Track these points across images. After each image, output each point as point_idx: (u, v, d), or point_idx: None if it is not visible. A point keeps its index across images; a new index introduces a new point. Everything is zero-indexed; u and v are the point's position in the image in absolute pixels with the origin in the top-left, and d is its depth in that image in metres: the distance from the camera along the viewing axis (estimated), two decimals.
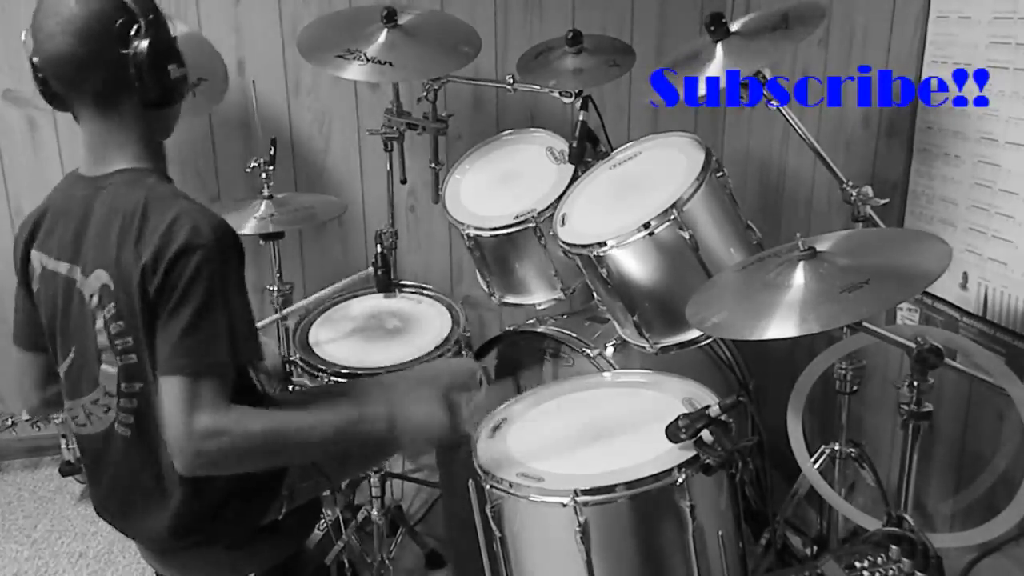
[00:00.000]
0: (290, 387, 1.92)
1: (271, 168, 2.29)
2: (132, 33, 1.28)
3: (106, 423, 1.39)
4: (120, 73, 1.29)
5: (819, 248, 1.42)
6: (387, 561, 2.13)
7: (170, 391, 1.23)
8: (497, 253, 2.09)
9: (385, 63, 2.14)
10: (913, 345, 1.36)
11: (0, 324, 1.51)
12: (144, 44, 1.28)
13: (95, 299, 1.32)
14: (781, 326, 1.31)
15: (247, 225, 2.13)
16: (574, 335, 2.09)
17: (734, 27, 1.80)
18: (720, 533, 1.42)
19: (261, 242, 2.26)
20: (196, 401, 1.22)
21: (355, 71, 2.14)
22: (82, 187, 1.38)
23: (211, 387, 1.23)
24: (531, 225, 1.98)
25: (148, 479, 1.39)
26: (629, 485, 1.37)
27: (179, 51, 1.35)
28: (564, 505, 1.37)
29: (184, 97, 1.39)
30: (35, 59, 1.34)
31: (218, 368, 1.25)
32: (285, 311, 2.24)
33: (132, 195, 1.31)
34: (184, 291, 1.24)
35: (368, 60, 2.14)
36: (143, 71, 1.29)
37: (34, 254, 1.43)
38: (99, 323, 1.33)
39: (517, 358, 2.24)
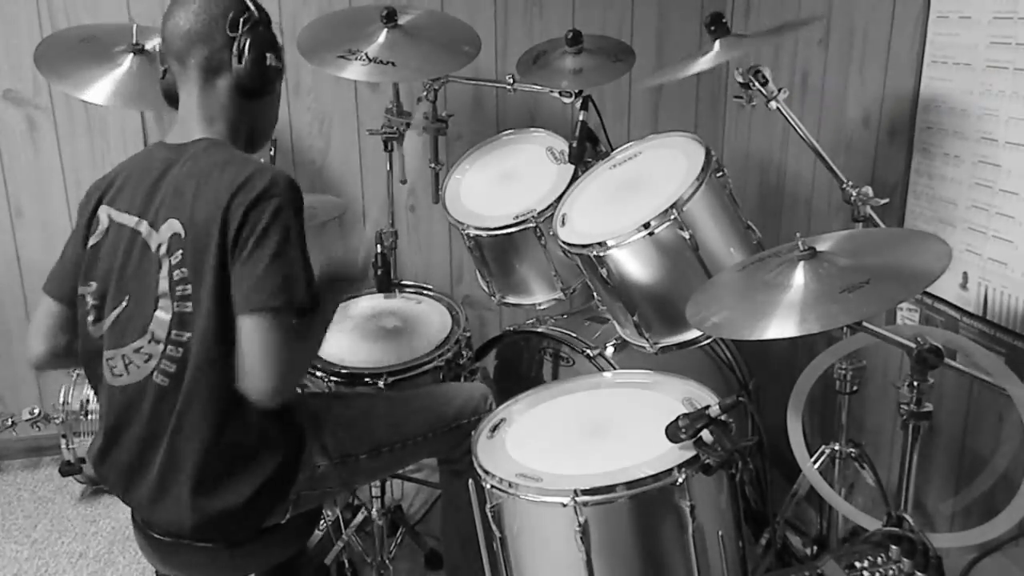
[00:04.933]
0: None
1: None
2: (242, 21, 1.45)
3: (144, 372, 1.43)
4: (223, 53, 1.46)
5: (819, 248, 1.42)
6: (387, 561, 2.13)
7: (251, 328, 1.33)
8: (497, 253, 2.09)
9: (387, 63, 2.14)
10: (913, 345, 1.36)
11: None
12: (250, 33, 1.45)
13: (163, 247, 1.40)
14: (781, 326, 1.31)
15: None
16: (574, 335, 2.09)
17: (734, 31, 1.80)
18: (720, 533, 1.42)
19: None
20: (277, 337, 1.32)
21: (356, 71, 2.14)
22: (164, 152, 1.49)
23: (288, 323, 1.34)
24: (531, 225, 1.98)
25: (172, 431, 1.42)
26: (629, 485, 1.37)
27: (279, 52, 1.51)
28: (564, 505, 1.37)
29: (275, 93, 1.54)
30: (160, 49, 1.52)
31: (296, 305, 1.35)
32: None
33: (212, 156, 1.43)
34: (263, 233, 1.34)
35: (369, 60, 2.14)
36: (243, 54, 1.45)
37: (102, 209, 1.51)
38: (164, 270, 1.40)
39: (517, 358, 2.24)
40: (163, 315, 1.40)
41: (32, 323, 1.60)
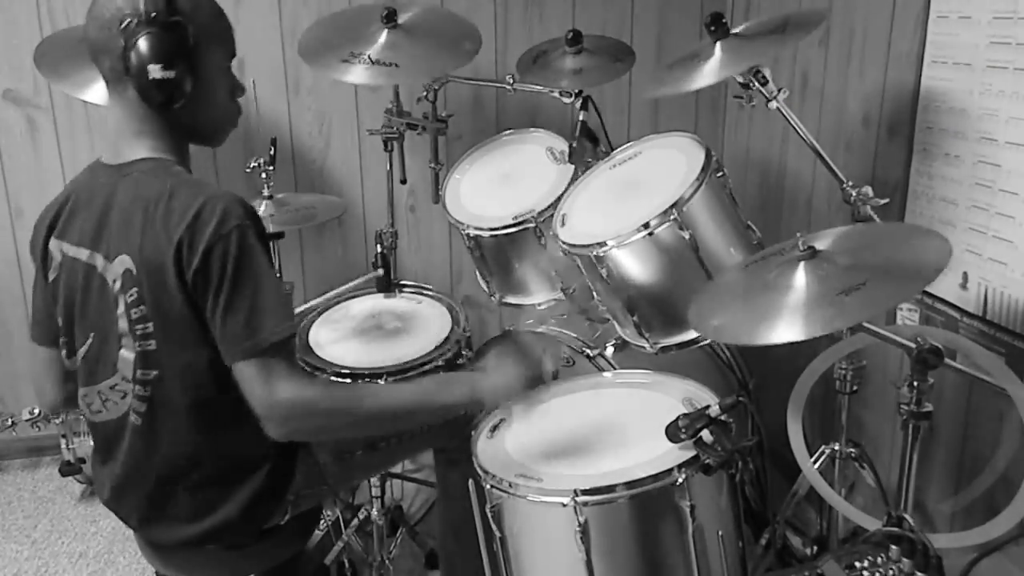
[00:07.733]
0: None
1: (271, 168, 2.29)
2: (125, 26, 1.29)
3: (122, 409, 1.41)
4: (119, 64, 1.31)
5: (819, 246, 1.42)
6: (387, 561, 2.13)
7: (247, 374, 1.28)
8: (497, 253, 2.09)
9: (389, 64, 2.14)
10: (913, 345, 1.36)
11: None
12: (137, 39, 1.29)
13: (118, 284, 1.34)
14: (783, 330, 1.31)
15: None
16: (574, 335, 2.09)
17: (734, 30, 1.80)
18: (720, 533, 1.42)
19: None
20: (273, 376, 1.27)
21: (359, 74, 2.13)
22: (104, 175, 1.40)
23: (283, 359, 1.29)
24: (531, 225, 1.98)
25: (153, 470, 1.41)
26: (629, 485, 1.37)
27: (175, 56, 1.31)
28: (564, 505, 1.37)
29: (196, 95, 1.34)
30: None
31: (285, 341, 1.30)
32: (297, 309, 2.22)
33: (156, 182, 1.33)
34: (235, 275, 1.27)
35: (372, 62, 2.13)
36: (129, 65, 1.30)
37: (53, 243, 1.44)
38: (120, 307, 1.35)
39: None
40: (127, 354, 1.37)
41: (35, 374, 1.54)
